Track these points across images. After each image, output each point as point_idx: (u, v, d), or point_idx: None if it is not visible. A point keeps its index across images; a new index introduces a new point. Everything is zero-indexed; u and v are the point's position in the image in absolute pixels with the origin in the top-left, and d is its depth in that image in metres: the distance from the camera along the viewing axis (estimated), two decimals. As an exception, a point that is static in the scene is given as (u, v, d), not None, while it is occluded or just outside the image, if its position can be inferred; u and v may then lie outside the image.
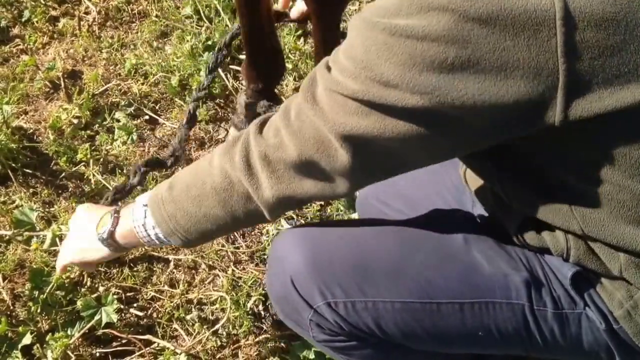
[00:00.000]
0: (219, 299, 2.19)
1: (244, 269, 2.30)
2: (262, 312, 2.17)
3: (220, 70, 2.88)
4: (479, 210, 1.66)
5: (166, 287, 2.22)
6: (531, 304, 1.41)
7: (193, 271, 2.29)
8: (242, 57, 2.85)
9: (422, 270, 1.44)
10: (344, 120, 1.22)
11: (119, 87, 2.85)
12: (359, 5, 3.34)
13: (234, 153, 1.34)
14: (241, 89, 2.74)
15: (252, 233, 2.41)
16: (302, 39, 3.11)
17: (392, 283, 1.43)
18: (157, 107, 2.81)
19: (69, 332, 2.05)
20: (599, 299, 1.38)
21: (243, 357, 2.09)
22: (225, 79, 2.87)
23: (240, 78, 2.86)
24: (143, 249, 2.31)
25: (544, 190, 1.30)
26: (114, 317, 2.07)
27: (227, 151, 1.36)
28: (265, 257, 2.33)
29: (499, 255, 1.46)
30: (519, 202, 1.38)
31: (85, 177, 2.51)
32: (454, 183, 1.75)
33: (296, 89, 2.85)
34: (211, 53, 2.82)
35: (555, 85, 1.10)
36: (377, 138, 1.22)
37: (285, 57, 2.85)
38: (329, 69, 1.26)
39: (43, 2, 3.21)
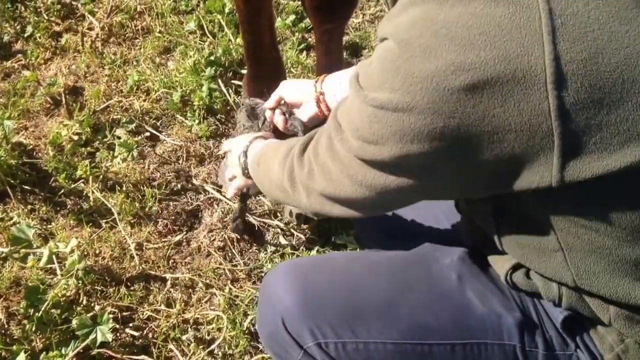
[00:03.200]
0: (216, 318, 2.16)
1: (241, 287, 2.26)
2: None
3: (221, 85, 2.87)
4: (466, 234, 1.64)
5: (162, 307, 2.20)
6: (523, 345, 1.40)
7: (190, 290, 2.26)
8: (244, 71, 2.85)
9: (414, 311, 1.43)
10: (354, 171, 1.29)
11: (121, 104, 2.84)
12: (362, 17, 3.33)
13: (285, 168, 1.50)
14: (242, 104, 2.72)
15: (250, 250, 2.38)
16: (304, 53, 3.10)
17: (383, 324, 1.41)
18: (158, 124, 2.80)
19: (63, 351, 2.03)
20: (590, 341, 1.36)
21: (239, 377, 2.06)
22: (226, 94, 2.85)
23: (242, 93, 2.84)
24: (140, 268, 2.28)
25: (541, 243, 1.28)
26: (109, 337, 2.04)
27: (282, 163, 1.53)
28: (263, 274, 2.30)
29: (492, 294, 1.44)
30: (513, 252, 1.36)
31: (84, 194, 2.50)
32: (448, 205, 1.72)
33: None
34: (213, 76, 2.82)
35: (550, 147, 1.09)
36: (383, 186, 1.27)
37: (287, 71, 2.84)
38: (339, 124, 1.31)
39: (46, 18, 3.22)
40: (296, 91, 1.95)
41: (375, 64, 1.21)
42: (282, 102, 2.01)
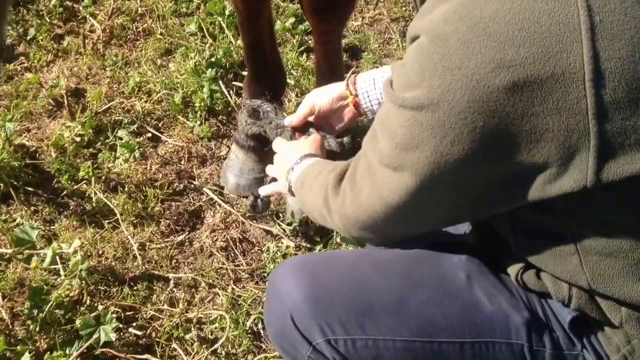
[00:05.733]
0: (219, 317, 2.17)
1: (243, 287, 2.28)
2: (262, 331, 2.15)
3: (222, 86, 2.88)
4: (473, 233, 1.64)
5: (166, 306, 2.21)
6: (530, 344, 1.39)
7: (193, 290, 2.27)
8: (245, 73, 2.86)
9: (424, 308, 1.41)
10: (388, 192, 1.27)
11: (122, 105, 2.85)
12: (362, 20, 3.34)
13: (322, 195, 1.49)
14: (243, 105, 2.73)
15: (252, 251, 2.39)
16: (304, 55, 3.11)
17: (393, 321, 1.40)
18: (160, 125, 2.81)
19: (67, 351, 2.04)
20: (596, 342, 1.36)
21: (242, 376, 2.08)
22: (227, 96, 2.86)
23: (243, 95, 2.86)
24: (143, 268, 2.30)
25: (558, 246, 1.28)
26: (113, 336, 2.05)
27: (320, 190, 1.50)
28: (266, 274, 2.32)
29: (500, 293, 1.43)
30: (528, 255, 1.35)
31: (86, 195, 2.51)
32: None
33: (298, 105, 2.84)
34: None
35: (586, 148, 1.09)
36: (414, 205, 1.27)
37: (287, 73, 2.85)
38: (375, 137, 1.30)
39: (48, 21, 3.23)
40: (328, 97, 1.86)
41: (409, 63, 1.19)
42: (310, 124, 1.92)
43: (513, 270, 1.42)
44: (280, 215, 2.49)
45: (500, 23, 1.08)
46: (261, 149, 2.51)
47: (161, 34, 3.20)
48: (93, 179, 2.52)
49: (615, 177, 1.09)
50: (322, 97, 1.86)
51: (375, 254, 1.58)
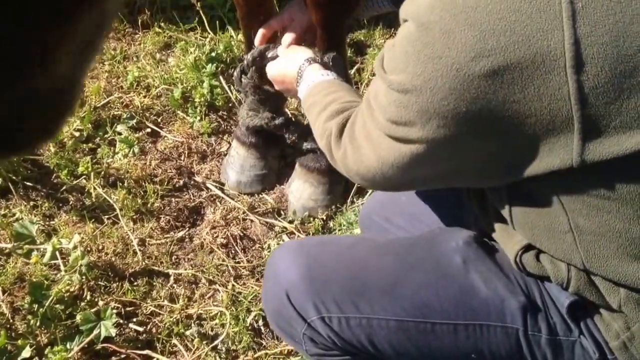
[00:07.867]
0: (219, 314, 2.18)
1: (244, 284, 2.29)
2: (262, 328, 2.16)
3: (222, 81, 2.88)
4: (480, 225, 1.65)
5: (166, 302, 2.22)
6: (525, 329, 1.41)
7: (193, 286, 2.28)
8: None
9: (418, 290, 1.45)
10: (384, 152, 1.30)
11: (121, 100, 2.85)
12: (362, 16, 3.33)
13: (324, 142, 1.52)
14: (244, 100, 2.73)
15: (253, 248, 2.40)
16: (306, 50, 3.10)
17: (387, 301, 1.44)
18: (159, 120, 2.81)
19: (68, 346, 2.05)
20: (595, 328, 1.37)
21: (242, 373, 2.09)
22: (228, 91, 2.86)
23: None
24: (143, 263, 2.30)
25: (552, 224, 1.30)
26: (113, 332, 2.06)
27: (322, 133, 1.53)
28: (266, 272, 2.32)
29: (497, 277, 1.46)
30: (524, 232, 1.37)
31: (86, 190, 2.51)
32: (452, 201, 1.74)
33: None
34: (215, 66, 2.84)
35: (570, 130, 1.11)
36: (408, 167, 1.29)
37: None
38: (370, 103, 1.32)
39: (47, 14, 3.21)
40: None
41: (397, 47, 1.22)
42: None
43: (512, 252, 1.43)
44: (282, 212, 2.49)
45: (482, 12, 1.10)
46: (262, 146, 2.52)
47: (160, 27, 3.19)
48: (92, 174, 2.52)
49: (600, 159, 1.11)
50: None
51: (372, 238, 1.64)
